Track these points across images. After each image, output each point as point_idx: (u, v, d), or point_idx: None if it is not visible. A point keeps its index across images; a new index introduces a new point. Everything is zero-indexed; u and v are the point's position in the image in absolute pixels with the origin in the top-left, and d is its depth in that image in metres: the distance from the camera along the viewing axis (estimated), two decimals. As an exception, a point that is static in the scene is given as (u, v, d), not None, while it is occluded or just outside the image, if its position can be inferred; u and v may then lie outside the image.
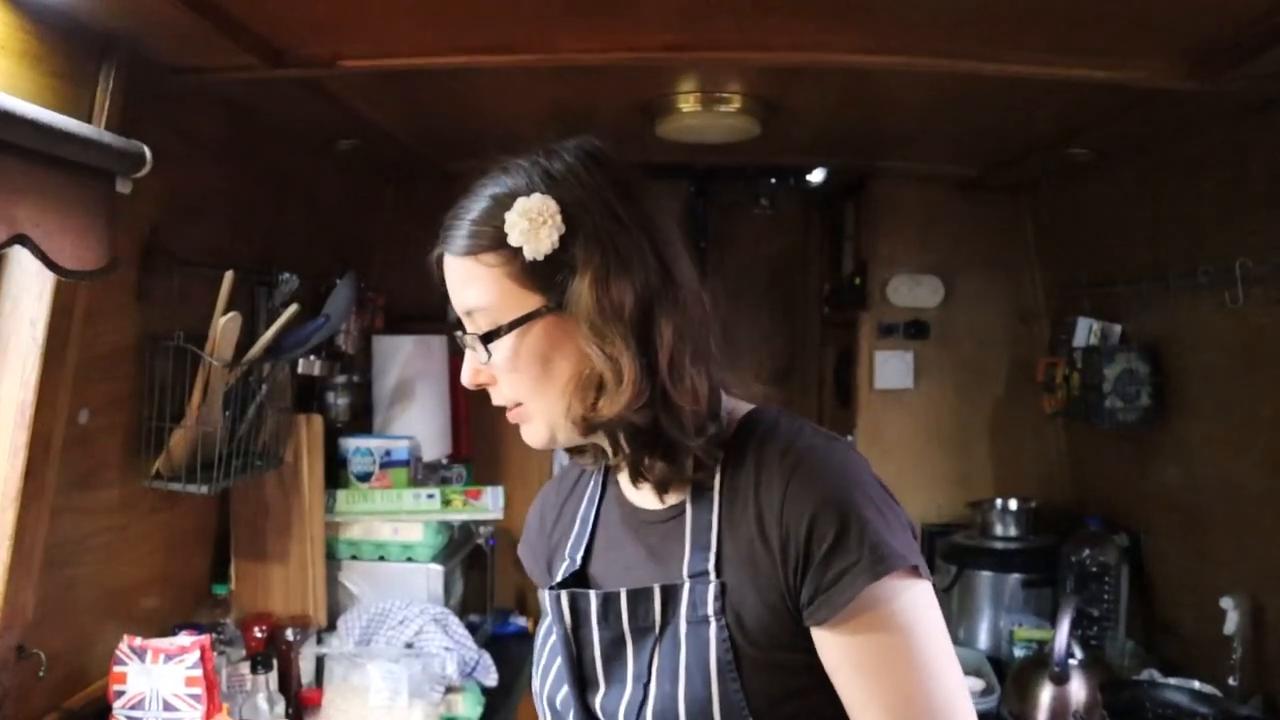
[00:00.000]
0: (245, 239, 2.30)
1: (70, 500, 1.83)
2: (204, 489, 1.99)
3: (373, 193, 3.12)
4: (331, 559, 2.52)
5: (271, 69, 1.83)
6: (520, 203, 1.03)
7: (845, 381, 3.52)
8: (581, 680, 1.16)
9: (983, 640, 2.87)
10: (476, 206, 1.08)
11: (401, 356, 2.75)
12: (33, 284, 1.64)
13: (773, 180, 3.76)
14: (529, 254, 1.03)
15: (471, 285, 1.07)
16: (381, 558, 2.54)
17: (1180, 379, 2.50)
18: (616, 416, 1.05)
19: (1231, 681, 2.22)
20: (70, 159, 1.55)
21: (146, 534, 2.13)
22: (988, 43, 1.82)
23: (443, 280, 1.12)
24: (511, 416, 1.14)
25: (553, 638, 1.19)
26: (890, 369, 3.27)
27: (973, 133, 2.66)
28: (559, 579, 1.23)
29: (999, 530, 2.99)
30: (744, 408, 1.15)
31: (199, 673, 1.87)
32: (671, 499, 1.14)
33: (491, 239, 1.05)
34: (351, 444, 2.58)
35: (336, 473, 2.58)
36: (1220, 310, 2.17)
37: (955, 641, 2.76)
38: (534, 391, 1.09)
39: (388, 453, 2.58)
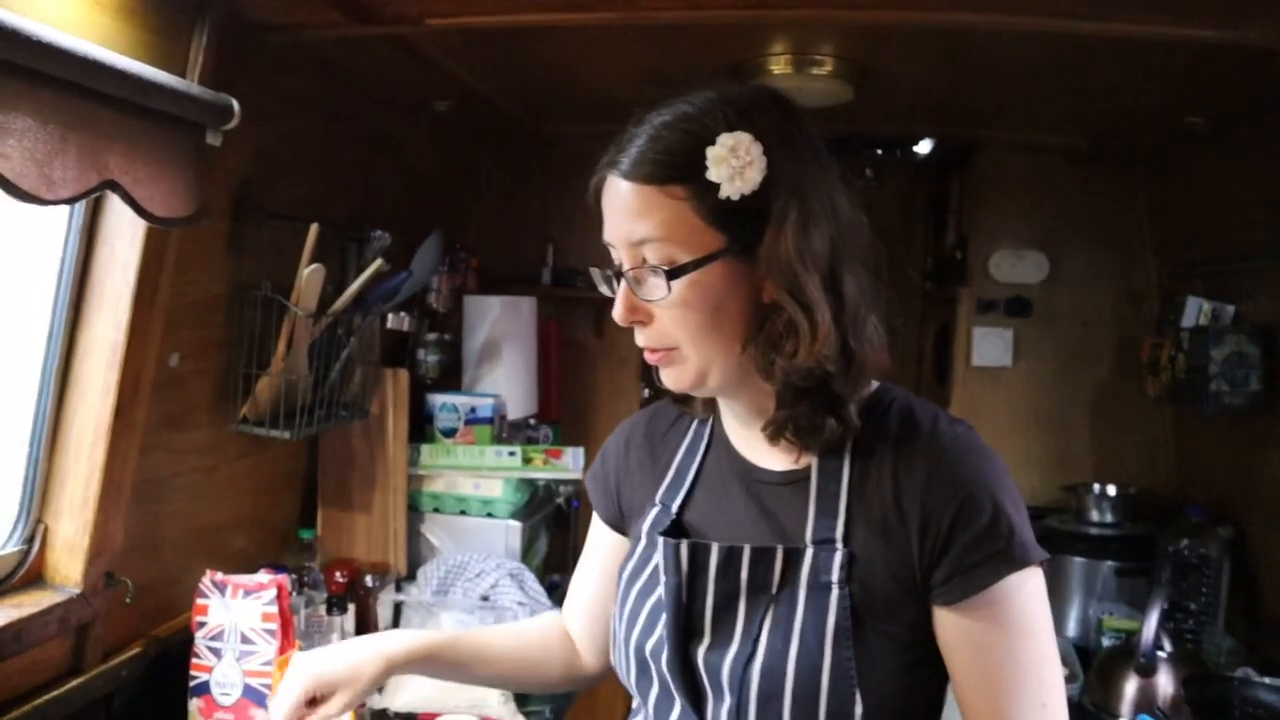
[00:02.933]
0: (338, 195, 2.36)
1: (160, 439, 1.92)
2: (286, 434, 2.06)
3: (469, 155, 3.16)
4: (414, 511, 2.58)
5: (358, 26, 1.87)
6: (726, 138, 1.01)
7: (944, 358, 3.44)
8: (689, 629, 1.15)
9: (1071, 628, 2.78)
10: (665, 135, 1.04)
11: (491, 316, 2.79)
12: (126, 231, 1.72)
13: (878, 151, 3.68)
14: (726, 192, 1.01)
15: (650, 215, 1.04)
16: (462, 512, 2.59)
17: (1293, 364, 2.37)
18: (812, 364, 1.03)
19: (1331, 683, 2.11)
20: (160, 110, 1.61)
21: (234, 477, 2.22)
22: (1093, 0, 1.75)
23: (597, 208, 1.10)
24: (656, 359, 1.11)
25: (643, 582, 1.20)
26: (988, 346, 3.18)
27: (1080, 100, 2.55)
28: (649, 524, 1.23)
29: (1094, 516, 2.89)
30: (872, 382, 1.14)
31: (275, 609, 1.94)
32: (795, 462, 1.13)
33: (684, 170, 1.02)
34: (438, 400, 2.64)
35: (423, 427, 2.64)
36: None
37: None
38: (700, 334, 1.06)
39: (473, 409, 2.63)
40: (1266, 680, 2.20)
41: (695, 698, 1.14)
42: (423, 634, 1.32)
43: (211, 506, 2.16)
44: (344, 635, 2.12)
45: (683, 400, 1.25)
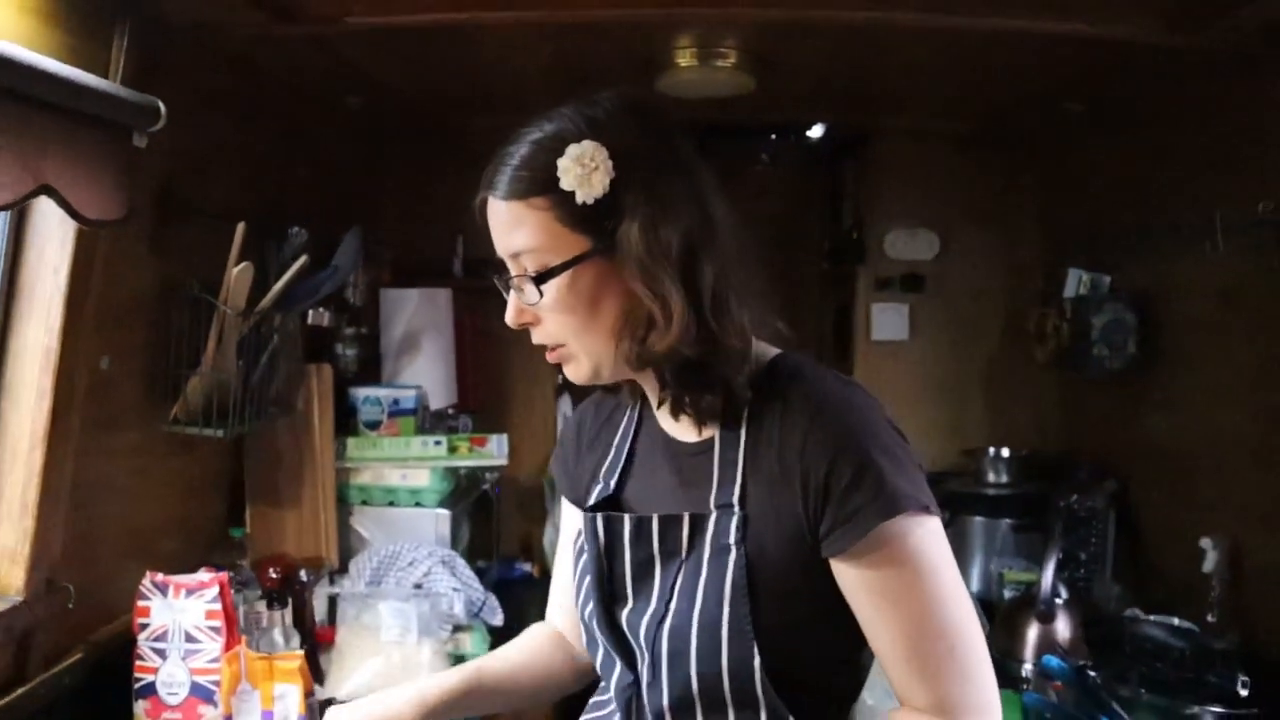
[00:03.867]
0: (256, 193, 2.36)
1: (93, 442, 1.91)
2: (219, 433, 2.07)
3: (380, 149, 3.18)
4: (342, 504, 2.61)
5: (281, 25, 1.89)
6: (573, 148, 1.08)
7: (844, 335, 3.59)
8: (611, 595, 1.25)
9: (974, 583, 2.95)
10: (524, 152, 1.12)
11: (408, 308, 2.82)
12: (55, 233, 1.71)
13: (773, 137, 3.81)
14: (580, 198, 1.08)
15: (520, 228, 1.11)
16: (391, 503, 2.62)
17: (1166, 328, 2.57)
18: (667, 351, 1.11)
19: (1210, 618, 2.30)
20: (90, 113, 1.61)
21: (165, 478, 2.22)
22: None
23: (484, 226, 1.16)
24: (553, 356, 1.19)
25: (582, 554, 1.28)
26: (886, 321, 3.34)
27: (967, 89, 2.71)
28: (593, 501, 1.31)
29: (991, 477, 3.08)
30: (771, 351, 1.21)
31: (218, 606, 1.96)
32: (704, 433, 1.20)
33: (542, 183, 1.09)
34: (361, 393, 2.66)
35: (346, 421, 2.66)
36: (1202, 260, 2.24)
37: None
38: (581, 331, 1.14)
39: (396, 401, 2.66)
40: (1152, 618, 2.39)
41: (628, 657, 1.23)
42: (452, 674, 1.37)
43: (143, 509, 2.15)
44: (285, 629, 2.14)
45: (611, 389, 1.33)
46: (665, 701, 1.18)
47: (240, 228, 2.01)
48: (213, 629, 1.96)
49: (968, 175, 3.27)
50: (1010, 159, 3.23)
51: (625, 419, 1.35)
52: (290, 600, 2.22)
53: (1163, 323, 2.57)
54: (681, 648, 1.14)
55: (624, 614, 1.24)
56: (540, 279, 1.11)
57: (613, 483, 1.31)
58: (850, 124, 3.31)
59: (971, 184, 3.28)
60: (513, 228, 1.12)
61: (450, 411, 2.99)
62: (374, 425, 2.65)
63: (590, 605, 1.26)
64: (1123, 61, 2.17)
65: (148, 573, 1.97)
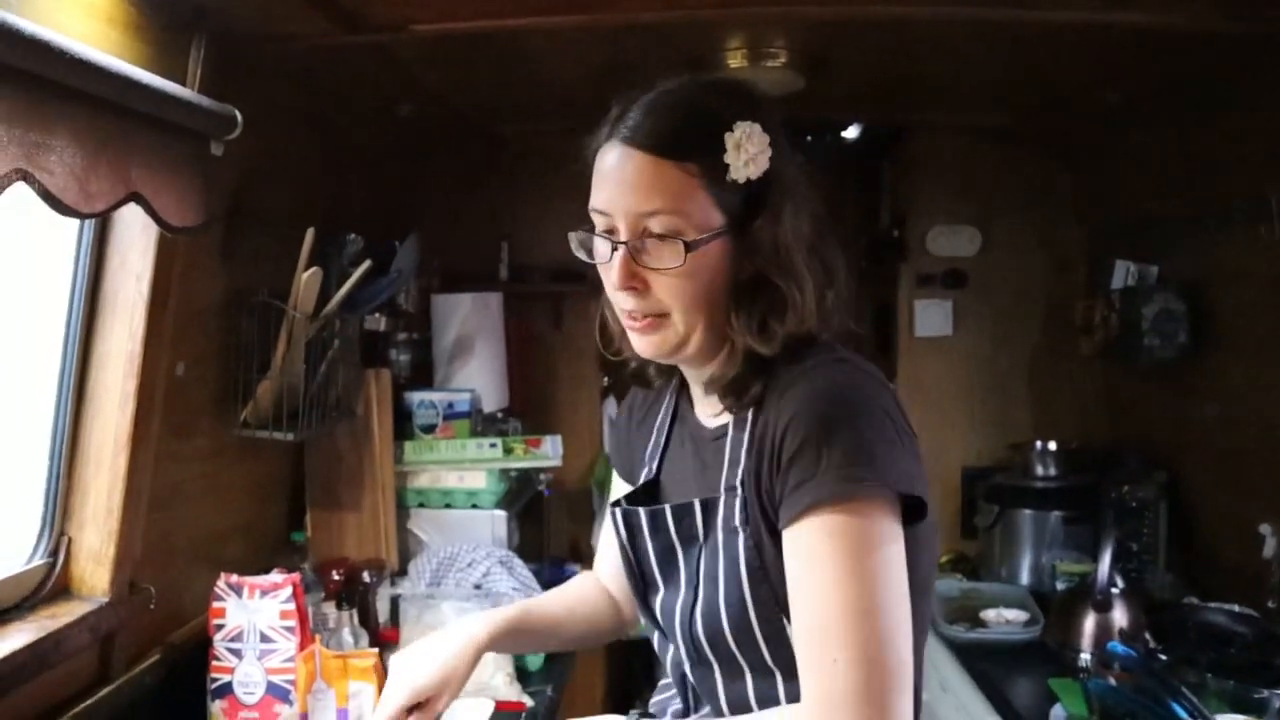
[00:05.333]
0: (313, 202, 2.40)
1: (169, 448, 1.95)
2: (290, 435, 2.10)
3: (427, 157, 3.21)
4: (400, 507, 2.63)
5: (347, 34, 1.93)
6: (744, 126, 1.08)
7: (885, 332, 3.60)
8: (643, 583, 1.29)
9: (1024, 576, 2.96)
10: (683, 112, 1.12)
11: (460, 313, 2.85)
12: (137, 241, 1.75)
13: (808, 137, 3.83)
14: (736, 175, 1.08)
15: (664, 187, 1.09)
16: (448, 505, 2.65)
17: (1216, 316, 2.57)
18: (795, 331, 1.12)
19: (1271, 605, 2.30)
20: (173, 122, 1.65)
21: (232, 483, 2.26)
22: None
23: (587, 172, 1.15)
24: (643, 325, 1.16)
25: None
26: (929, 317, 3.35)
27: (1010, 82, 2.72)
28: (640, 481, 1.35)
29: (1039, 470, 3.08)
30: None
31: (292, 607, 1.98)
32: (723, 417, 1.21)
33: (701, 149, 1.08)
34: (415, 397, 2.69)
35: (402, 425, 2.69)
36: (1253, 247, 2.25)
37: (997, 579, 2.94)
38: (692, 303, 1.12)
39: (450, 405, 2.69)
40: (1212, 605, 2.40)
41: (673, 639, 1.27)
42: (499, 613, 1.40)
43: (212, 513, 2.19)
44: (353, 628, 2.17)
45: (638, 376, 1.35)
46: (718, 679, 1.20)
47: (310, 233, 2.04)
48: (287, 629, 1.98)
49: (1008, 170, 3.28)
50: (1051, 151, 3.24)
51: (664, 406, 1.36)
52: (356, 602, 2.25)
53: (1213, 311, 2.58)
54: (716, 630, 1.16)
55: (658, 601, 1.28)
56: (691, 245, 1.09)
57: (654, 465, 1.34)
58: (889, 121, 3.33)
59: (1012, 178, 3.29)
60: (654, 185, 1.09)
61: (500, 415, 3.02)
62: (429, 429, 2.67)
63: (631, 591, 1.33)
64: (1169, 50, 2.18)
65: (222, 574, 2.00)
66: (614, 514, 1.30)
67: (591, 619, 1.52)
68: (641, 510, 1.25)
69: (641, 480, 1.36)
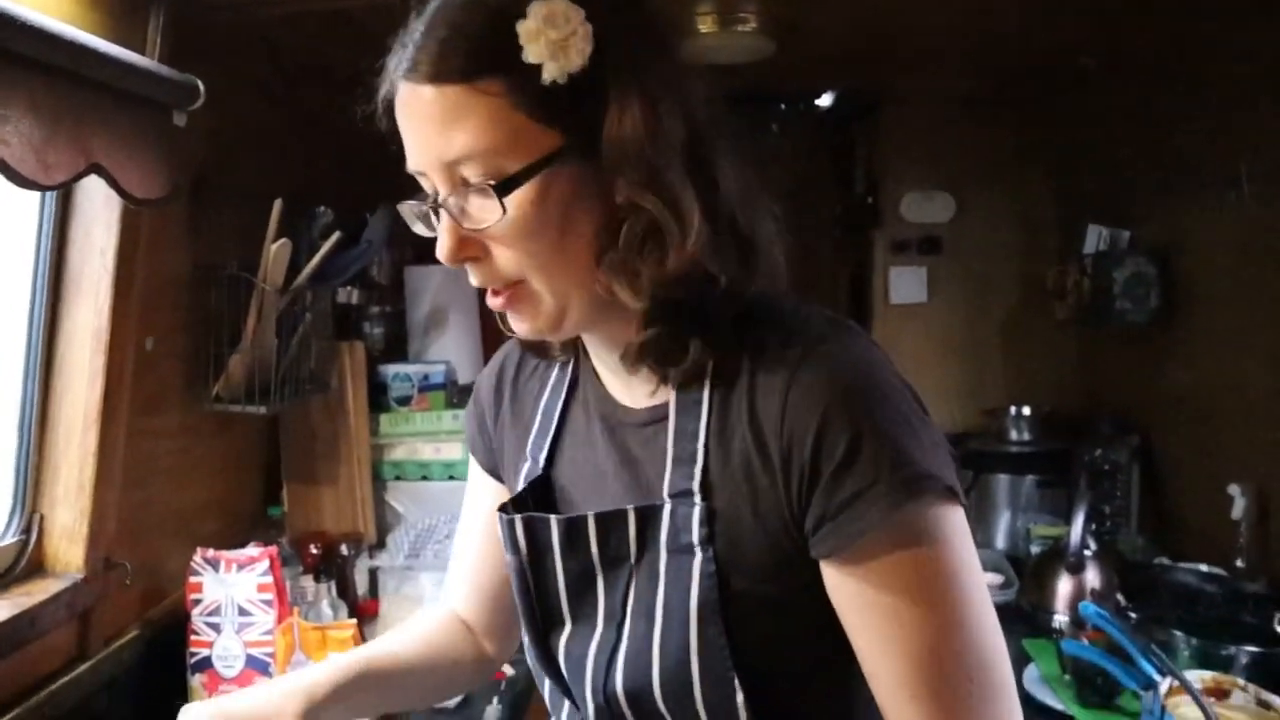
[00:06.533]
0: (282, 174, 2.36)
1: (140, 424, 1.93)
2: (262, 409, 2.09)
3: (396, 128, 3.18)
4: (376, 480, 2.62)
5: (309, 1, 1.91)
6: (538, 7, 0.80)
7: (861, 300, 3.62)
8: (545, 619, 0.99)
9: (1000, 541, 3.00)
10: (465, 18, 0.83)
11: (433, 285, 2.84)
12: (100, 215, 1.73)
13: (782, 106, 3.82)
14: (550, 74, 0.80)
15: (465, 120, 0.81)
16: (424, 477, 2.64)
17: (1187, 281, 2.59)
18: (682, 272, 0.84)
19: (1239, 563, 2.33)
20: (133, 92, 1.63)
21: (206, 458, 2.24)
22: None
23: (393, 128, 0.89)
24: (500, 302, 0.90)
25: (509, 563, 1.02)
26: (904, 284, 3.37)
27: (985, 48, 2.72)
28: (520, 484, 1.05)
29: (1013, 435, 3.11)
30: (744, 289, 0.92)
31: (270, 580, 1.98)
32: (656, 397, 0.94)
33: (495, 56, 0.80)
34: (390, 370, 2.68)
35: (377, 398, 2.68)
36: (1223, 213, 2.26)
37: (973, 543, 2.95)
38: (546, 260, 0.85)
39: (425, 377, 2.68)
40: (1183, 565, 2.43)
41: (576, 693, 0.98)
42: (338, 661, 1.09)
43: (186, 489, 2.17)
44: (332, 600, 2.17)
45: (535, 346, 1.05)
46: None
47: (277, 205, 2.02)
48: (265, 602, 1.98)
49: (982, 136, 3.29)
50: (1024, 118, 3.24)
51: (554, 376, 1.06)
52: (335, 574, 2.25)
53: (1184, 276, 2.60)
54: (642, 684, 0.89)
55: (562, 641, 0.98)
56: (503, 188, 0.81)
57: (541, 459, 1.03)
58: (862, 88, 3.33)
59: (986, 145, 3.30)
60: (451, 123, 0.81)
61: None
62: (405, 401, 2.66)
63: (522, 629, 1.02)
64: (1141, 11, 2.18)
65: (198, 549, 2.00)
66: (507, 524, 0.98)
67: (451, 665, 1.20)
68: (553, 520, 0.95)
69: (523, 477, 1.04)
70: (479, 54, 0.81)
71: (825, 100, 3.58)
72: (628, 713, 0.91)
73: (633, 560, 0.91)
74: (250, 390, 2.09)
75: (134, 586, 1.93)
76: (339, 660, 1.09)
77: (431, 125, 0.83)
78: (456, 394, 2.71)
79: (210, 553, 1.99)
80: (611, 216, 0.85)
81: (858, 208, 3.62)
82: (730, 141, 0.90)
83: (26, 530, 1.76)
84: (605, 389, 0.99)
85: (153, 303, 1.91)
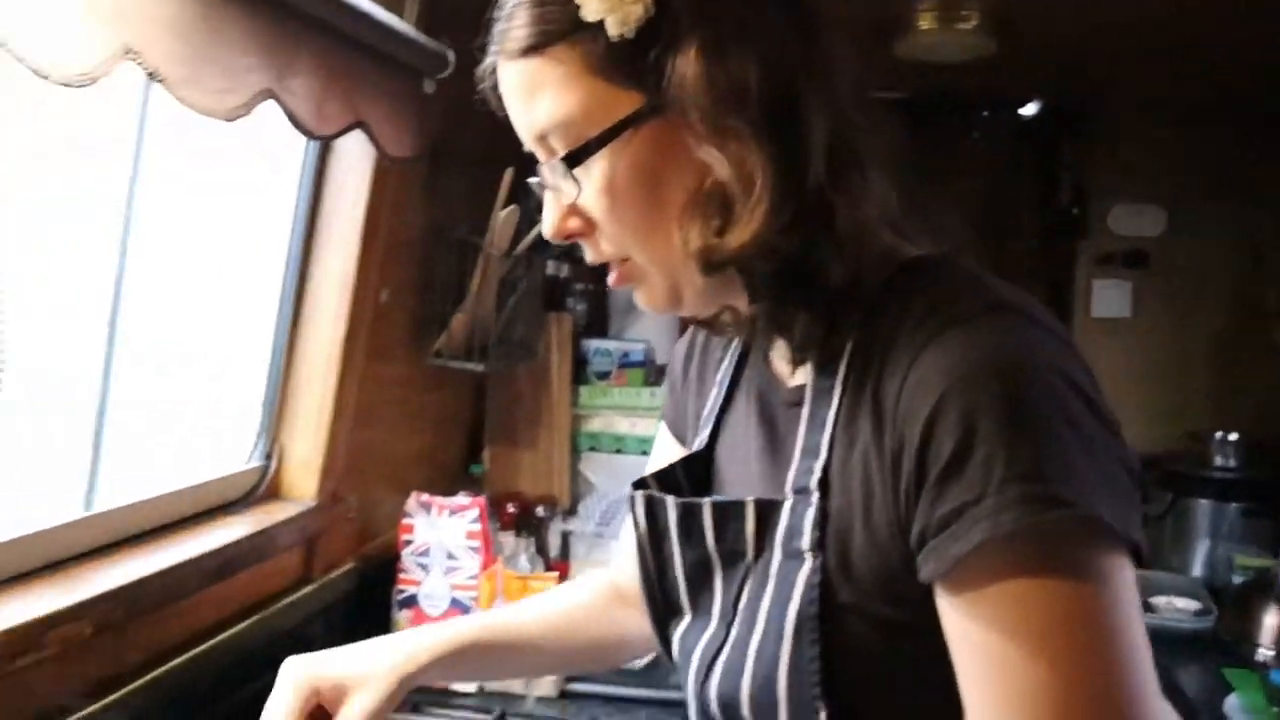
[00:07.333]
0: (512, 145, 2.47)
1: (370, 370, 2.06)
2: (480, 366, 2.21)
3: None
4: (572, 449, 2.72)
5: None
6: None
7: (1058, 313, 3.52)
8: (665, 604, 0.92)
9: (1199, 568, 2.87)
10: None
11: (636, 269, 2.92)
12: (354, 170, 1.87)
13: (984, 114, 3.77)
14: (614, 30, 0.75)
15: (541, 93, 0.78)
16: (619, 450, 2.73)
17: None
18: (748, 243, 0.74)
19: None
20: (395, 57, 1.75)
21: (421, 410, 2.38)
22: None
23: (503, 113, 0.85)
24: (618, 279, 0.84)
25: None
26: (1107, 298, 3.27)
27: (1210, 52, 2.62)
28: (693, 448, 0.99)
29: (1218, 461, 2.97)
30: (906, 253, 0.82)
31: (478, 527, 2.09)
32: (798, 377, 0.85)
33: (562, 23, 0.77)
34: (592, 344, 2.77)
35: (577, 371, 2.78)
36: None
37: (1167, 567, 2.85)
38: (645, 231, 0.79)
39: (625, 354, 2.76)
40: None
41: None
42: (452, 626, 1.06)
43: (403, 437, 2.31)
44: (530, 557, 2.27)
45: (710, 324, 0.90)
46: None
47: (509, 172, 2.13)
48: (472, 548, 2.09)
49: (1200, 147, 3.16)
50: (1247, 129, 3.10)
51: (730, 349, 1.00)
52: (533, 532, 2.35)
53: None
54: (733, 694, 0.80)
55: (679, 631, 0.91)
56: (572, 160, 0.77)
57: (705, 434, 0.97)
58: (1077, 90, 3.24)
59: (1203, 156, 3.17)
60: (532, 95, 0.79)
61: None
62: (604, 376, 2.75)
63: (645, 611, 0.95)
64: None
65: (413, 493, 2.12)
66: (633, 500, 0.92)
67: (590, 638, 1.14)
68: (670, 501, 0.88)
69: (696, 445, 0.98)
70: (547, 22, 0.78)
71: (1030, 109, 3.52)
72: (717, 717, 0.83)
73: (749, 558, 0.82)
74: (469, 349, 2.20)
75: (353, 521, 2.07)
76: (453, 626, 1.06)
77: (519, 100, 0.81)
78: (654, 373, 2.78)
79: (424, 497, 2.11)
80: (702, 182, 0.77)
81: (1061, 218, 3.53)
82: (848, 87, 0.79)
83: (268, 457, 1.91)
84: (766, 363, 0.91)
85: (389, 258, 2.05)
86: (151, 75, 1.16)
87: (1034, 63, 2.84)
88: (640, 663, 2.03)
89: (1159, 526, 2.99)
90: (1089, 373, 0.73)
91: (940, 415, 0.67)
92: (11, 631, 1.21)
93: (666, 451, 1.10)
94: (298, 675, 0.95)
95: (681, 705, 1.97)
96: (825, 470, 0.77)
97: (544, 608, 1.14)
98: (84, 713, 1.33)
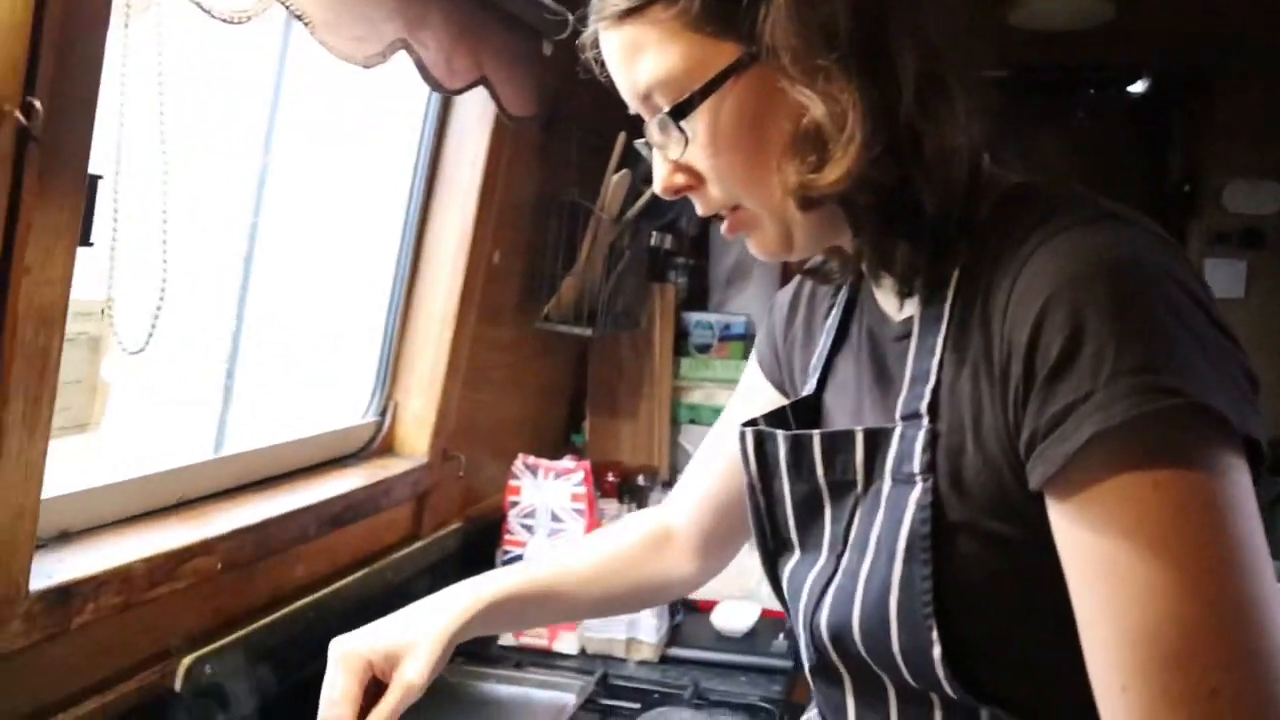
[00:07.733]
0: (623, 113, 2.48)
1: (481, 332, 2.08)
2: (589, 331, 2.21)
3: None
4: (672, 421, 2.72)
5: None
6: None
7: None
8: (775, 540, 0.93)
9: (1317, 552, 2.77)
10: None
11: (738, 241, 2.90)
12: (474, 129, 1.88)
13: (1091, 91, 3.68)
14: None
15: (642, 54, 0.80)
16: (718, 423, 2.72)
17: None
18: (842, 178, 0.75)
19: None
20: (518, 16, 1.76)
21: (527, 376, 2.40)
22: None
23: (608, 80, 0.87)
24: (731, 229, 0.86)
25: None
26: (1220, 277, 3.17)
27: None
28: (796, 397, 1.00)
29: (1338, 447, 2.87)
30: (1008, 180, 0.82)
31: (583, 490, 2.09)
32: (906, 310, 0.85)
33: None
34: (693, 317, 2.77)
35: (677, 342, 2.78)
36: None
37: (1276, 555, 2.74)
38: (751, 177, 0.80)
39: (726, 327, 2.75)
40: None
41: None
42: (495, 580, 1.06)
43: (509, 401, 2.33)
44: (631, 523, 2.27)
45: (816, 272, 0.97)
46: (848, 698, 0.86)
47: (621, 137, 2.13)
48: (577, 511, 2.09)
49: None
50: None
51: (845, 292, 0.99)
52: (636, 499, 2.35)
53: None
54: (844, 622, 0.81)
55: (788, 569, 0.91)
56: (677, 113, 0.79)
57: (814, 380, 0.97)
58: (1191, 62, 3.15)
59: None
60: (632, 58, 0.81)
61: (768, 343, 3.06)
62: (705, 349, 2.75)
63: (756, 551, 0.96)
64: None
65: (520, 455, 2.14)
66: (743, 437, 0.92)
67: (636, 581, 1.16)
68: (780, 435, 0.89)
69: (803, 393, 0.99)
70: None
71: (1138, 86, 3.43)
72: (831, 652, 0.84)
73: (859, 488, 0.83)
74: (579, 313, 2.21)
75: (462, 481, 2.09)
76: (494, 580, 1.06)
77: (621, 64, 0.82)
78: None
79: (531, 459, 2.12)
80: (799, 122, 0.78)
81: (1173, 196, 3.43)
82: (939, 18, 0.79)
83: (383, 413, 1.94)
84: (876, 300, 0.91)
85: (502, 220, 2.06)
86: (299, 17, 1.18)
87: (1153, 28, 2.76)
88: (741, 629, 2.03)
89: (1270, 513, 2.89)
90: (1204, 284, 0.71)
91: (1048, 316, 0.67)
92: (149, 560, 1.24)
93: (757, 395, 1.11)
94: (348, 654, 0.96)
95: (780, 672, 1.96)
96: (934, 394, 0.77)
97: (584, 555, 1.15)
98: (211, 647, 1.36)
